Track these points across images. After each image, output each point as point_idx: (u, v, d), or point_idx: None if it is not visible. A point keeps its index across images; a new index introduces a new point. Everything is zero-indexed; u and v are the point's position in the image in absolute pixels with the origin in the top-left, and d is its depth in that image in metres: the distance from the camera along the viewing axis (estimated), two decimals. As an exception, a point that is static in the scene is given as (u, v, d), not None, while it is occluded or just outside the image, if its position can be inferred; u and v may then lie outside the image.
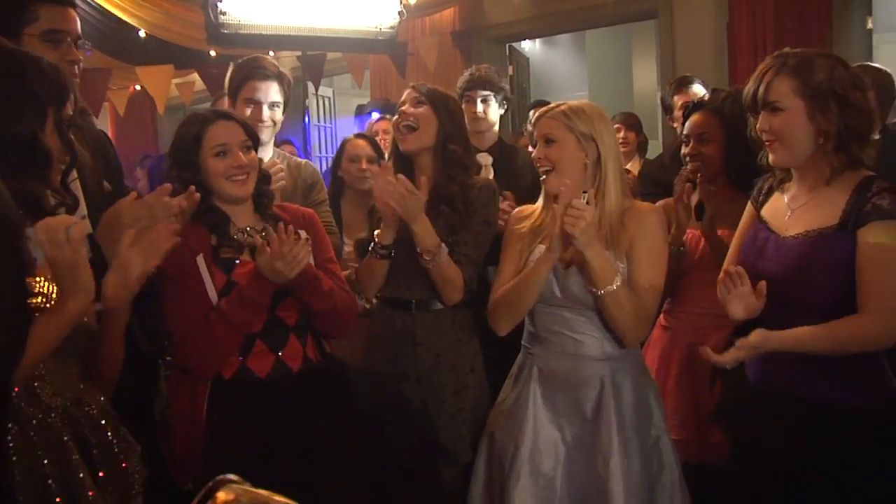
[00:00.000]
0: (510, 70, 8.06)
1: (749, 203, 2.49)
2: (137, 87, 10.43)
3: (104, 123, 11.37)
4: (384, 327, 2.95)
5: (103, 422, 1.98)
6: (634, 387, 2.57)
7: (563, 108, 2.56)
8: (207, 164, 2.45)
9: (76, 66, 2.37)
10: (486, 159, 3.77)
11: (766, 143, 2.28)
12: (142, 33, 7.85)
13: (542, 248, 2.51)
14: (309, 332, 2.57)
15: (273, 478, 2.25)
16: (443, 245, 2.74)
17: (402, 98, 2.94)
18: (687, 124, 3.13)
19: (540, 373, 2.61)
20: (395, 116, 2.95)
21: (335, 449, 2.36)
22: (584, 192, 2.37)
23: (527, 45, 9.79)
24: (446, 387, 2.88)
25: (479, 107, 3.76)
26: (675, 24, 6.56)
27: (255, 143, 2.56)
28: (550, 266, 2.46)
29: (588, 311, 2.52)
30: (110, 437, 1.98)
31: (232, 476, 1.12)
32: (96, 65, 8.19)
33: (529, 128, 3.95)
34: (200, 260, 2.41)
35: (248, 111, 3.12)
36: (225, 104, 4.65)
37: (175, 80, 9.65)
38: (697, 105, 3.17)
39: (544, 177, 2.57)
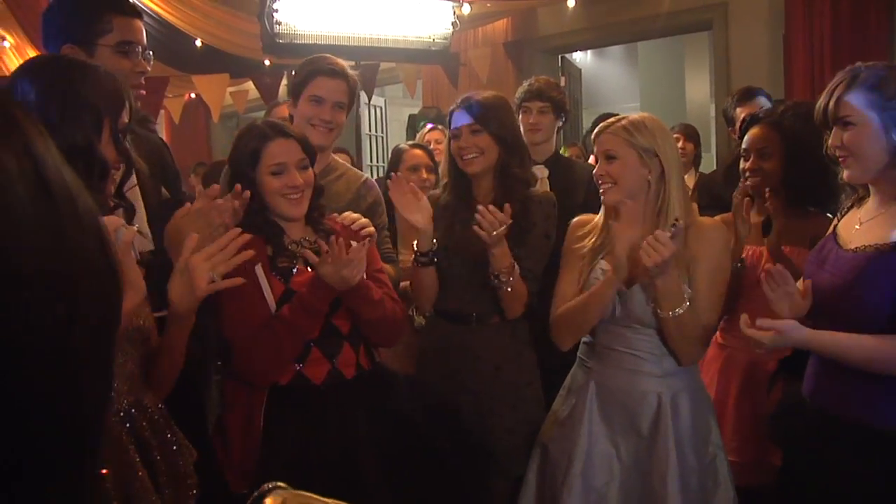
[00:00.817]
0: (562, 81, 8.03)
1: (836, 217, 2.44)
2: (192, 96, 10.60)
3: (160, 130, 11.56)
4: (440, 341, 2.95)
5: (163, 425, 2.00)
6: (692, 404, 2.55)
7: (623, 122, 2.53)
8: (264, 181, 2.47)
9: (142, 77, 2.41)
10: (542, 172, 3.75)
11: (840, 159, 2.24)
12: (198, 42, 7.96)
13: (604, 264, 2.50)
14: (361, 341, 2.58)
15: (326, 483, 2.31)
16: (515, 265, 2.74)
17: (456, 123, 2.91)
18: (746, 138, 3.08)
19: (597, 387, 2.59)
20: (452, 139, 2.94)
21: (385, 457, 2.40)
22: (674, 224, 2.36)
23: (578, 57, 9.77)
24: (504, 400, 2.88)
25: (536, 118, 3.75)
26: (730, 36, 6.49)
27: (313, 158, 2.56)
28: (615, 289, 2.45)
29: (648, 330, 2.51)
30: (170, 440, 2.00)
31: (280, 483, 1.14)
32: (154, 73, 8.30)
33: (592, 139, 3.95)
34: (259, 269, 2.43)
35: (312, 109, 2.95)
36: (278, 114, 4.72)
37: (230, 89, 9.78)
38: (755, 118, 3.11)
39: (603, 189, 2.56)
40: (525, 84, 3.85)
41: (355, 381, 2.52)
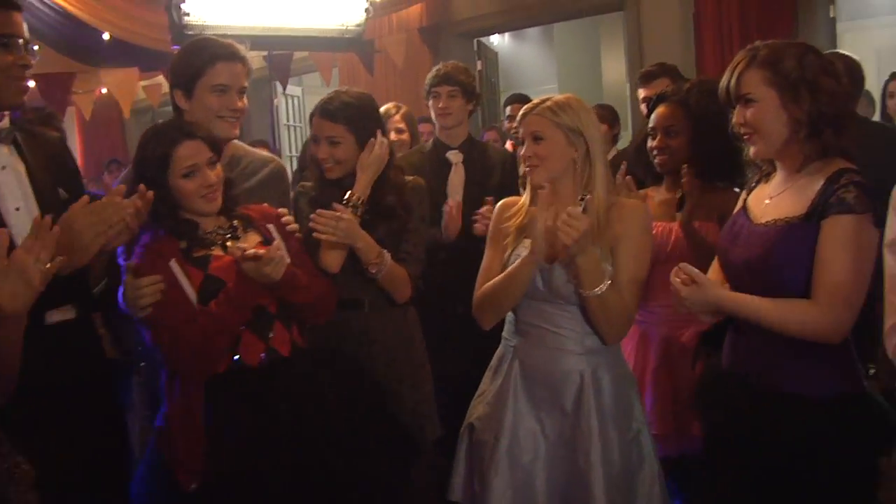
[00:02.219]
0: (479, 65, 8.05)
1: (744, 191, 2.49)
2: (104, 91, 10.32)
3: (71, 128, 11.26)
4: (336, 329, 2.92)
5: None
6: (614, 381, 2.56)
7: (548, 103, 2.52)
8: (177, 185, 2.43)
9: (26, 70, 2.31)
10: (456, 157, 3.77)
11: (744, 136, 2.28)
12: (105, 36, 7.75)
13: (527, 243, 2.49)
14: (293, 319, 2.58)
15: (278, 466, 2.28)
16: (384, 252, 2.80)
17: (314, 131, 2.92)
18: (653, 117, 3.12)
19: (521, 365, 2.60)
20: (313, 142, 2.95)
21: (334, 432, 2.43)
22: (581, 200, 2.37)
23: (496, 40, 9.79)
24: (403, 383, 2.95)
25: (445, 102, 3.75)
26: (642, 16, 6.58)
27: (219, 153, 2.53)
28: (534, 268, 2.45)
29: (570, 307, 2.51)
30: None
31: None
32: (60, 68, 8.09)
33: (507, 123, 3.96)
34: (174, 264, 2.40)
35: (219, 100, 2.69)
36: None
37: (143, 83, 9.56)
38: (662, 97, 3.15)
39: (530, 170, 2.55)
40: (434, 69, 3.85)
41: (293, 358, 2.52)
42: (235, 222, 2.56)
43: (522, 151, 2.57)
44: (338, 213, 2.68)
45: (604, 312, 2.44)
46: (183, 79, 2.70)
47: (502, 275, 2.52)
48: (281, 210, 2.70)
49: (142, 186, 2.33)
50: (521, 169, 2.63)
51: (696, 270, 2.24)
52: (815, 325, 2.12)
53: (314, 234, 2.67)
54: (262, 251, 2.35)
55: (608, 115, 5.51)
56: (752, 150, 2.30)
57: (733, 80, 2.24)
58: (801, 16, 5.85)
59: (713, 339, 2.49)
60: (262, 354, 2.48)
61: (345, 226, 2.68)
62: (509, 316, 2.67)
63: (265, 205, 2.71)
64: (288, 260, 2.42)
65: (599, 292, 2.39)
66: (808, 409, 2.17)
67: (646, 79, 4.26)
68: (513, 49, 11.19)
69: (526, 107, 2.59)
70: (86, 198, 2.18)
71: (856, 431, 2.15)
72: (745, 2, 5.78)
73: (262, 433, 2.37)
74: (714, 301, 2.24)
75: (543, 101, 2.54)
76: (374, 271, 2.78)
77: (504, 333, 2.71)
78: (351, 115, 2.86)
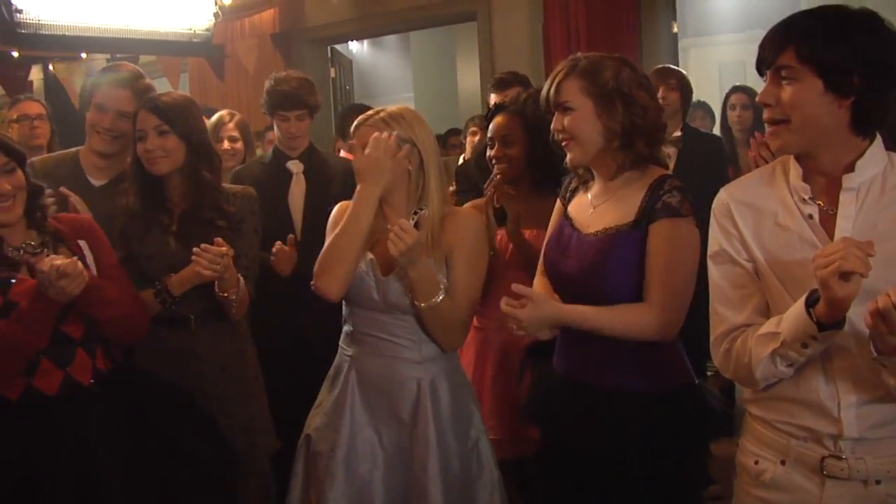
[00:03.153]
0: (332, 72, 7.99)
1: (558, 200, 2.55)
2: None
3: None
4: (158, 344, 2.82)
5: None
6: (452, 390, 2.57)
7: (382, 115, 2.51)
8: None
9: None
10: (296, 167, 3.71)
11: (562, 143, 2.36)
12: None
13: (370, 255, 2.49)
14: (97, 343, 2.47)
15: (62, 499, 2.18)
16: (240, 277, 2.76)
17: (142, 124, 2.81)
18: (491, 127, 3.17)
19: (358, 374, 2.57)
20: (137, 141, 2.82)
21: (130, 465, 2.33)
22: (415, 213, 2.39)
23: (354, 47, 9.75)
24: (233, 399, 2.87)
25: (295, 126, 3.69)
26: (493, 26, 6.67)
27: (20, 160, 2.40)
28: (362, 209, 2.42)
29: (406, 316, 2.50)
30: None
31: None
32: None
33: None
34: None
35: (96, 117, 3.07)
36: (21, 111, 4.39)
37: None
38: (500, 107, 3.20)
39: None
40: (273, 83, 3.72)
41: (94, 386, 2.42)
42: (46, 238, 2.43)
43: (355, 163, 2.54)
44: (217, 250, 2.61)
45: (440, 322, 2.45)
46: (87, 97, 3.14)
47: (336, 230, 2.46)
48: (87, 217, 2.65)
49: None
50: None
51: (529, 289, 2.27)
52: (651, 326, 2.21)
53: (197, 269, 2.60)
54: (58, 262, 2.21)
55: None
56: (568, 157, 2.37)
57: (553, 89, 2.33)
58: (645, 31, 6.04)
59: (539, 350, 2.54)
60: (60, 383, 2.37)
61: (225, 262, 2.62)
62: (346, 326, 2.64)
63: (82, 214, 2.60)
64: (85, 277, 2.27)
65: (434, 303, 2.40)
66: (642, 404, 2.26)
67: (499, 86, 4.29)
68: (370, 56, 11.19)
69: (360, 118, 2.57)
70: None
71: (683, 420, 2.26)
72: (591, 15, 5.91)
73: (47, 466, 2.25)
74: (552, 316, 2.27)
75: (377, 112, 2.54)
76: (233, 297, 2.72)
77: (341, 343, 2.68)
78: (174, 111, 2.79)
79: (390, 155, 2.40)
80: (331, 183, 3.59)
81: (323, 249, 2.49)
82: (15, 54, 7.54)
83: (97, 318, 2.41)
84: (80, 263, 2.26)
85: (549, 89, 2.35)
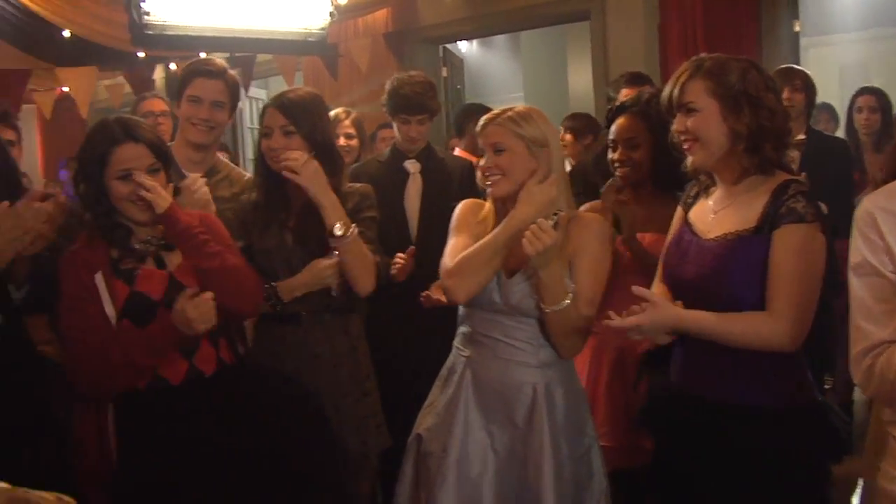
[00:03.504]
0: (444, 72, 8.00)
1: (679, 206, 2.49)
2: (65, 89, 10.15)
3: (31, 127, 11.07)
4: (274, 343, 2.87)
5: None
6: (567, 396, 2.54)
7: (510, 114, 2.49)
8: (111, 186, 2.38)
9: None
10: (414, 166, 3.72)
11: (685, 146, 2.30)
12: (66, 33, 7.61)
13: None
14: (221, 335, 2.51)
15: (188, 489, 2.22)
16: (352, 225, 2.74)
17: (268, 121, 2.84)
18: (612, 128, 3.09)
19: (473, 376, 2.56)
20: (262, 137, 2.88)
21: (247, 458, 2.35)
22: (554, 214, 2.34)
23: (463, 47, 9.75)
24: (346, 397, 2.87)
25: (416, 132, 3.70)
26: (608, 26, 6.55)
27: (167, 163, 2.49)
28: (514, 232, 2.38)
29: (526, 319, 2.48)
30: None
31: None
32: (15, 65, 7.94)
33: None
34: (99, 278, 2.33)
35: (191, 109, 3.14)
36: (145, 108, 4.55)
37: (105, 82, 9.40)
38: (621, 108, 3.11)
39: (489, 183, 2.51)
40: (394, 85, 3.72)
41: (216, 377, 2.46)
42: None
43: (482, 162, 2.53)
44: (295, 154, 2.66)
45: (563, 327, 2.42)
46: (175, 91, 3.24)
47: (483, 240, 2.45)
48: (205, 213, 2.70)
49: (58, 194, 2.28)
50: (479, 179, 2.59)
51: (649, 292, 2.23)
52: (773, 335, 2.14)
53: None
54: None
55: (580, 126, 5.40)
56: (690, 160, 2.31)
57: (677, 89, 2.27)
58: (766, 30, 5.84)
59: (655, 358, 2.49)
60: (185, 372, 2.42)
61: (312, 168, 2.64)
62: (463, 327, 2.63)
63: (206, 212, 2.68)
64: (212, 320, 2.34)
65: (560, 308, 2.36)
66: (761, 420, 2.18)
67: (633, 81, 4.23)
68: (479, 56, 11.17)
69: (487, 117, 2.55)
70: (5, 203, 2.12)
71: (807, 441, 2.17)
72: (710, 14, 5.77)
73: (174, 455, 2.30)
74: (672, 320, 2.22)
75: (504, 112, 2.51)
76: (339, 234, 2.68)
77: (456, 343, 2.67)
78: (302, 110, 2.81)
79: (551, 195, 2.37)
80: (448, 183, 3.58)
81: (465, 253, 2.46)
82: (141, 55, 7.81)
83: (201, 265, 2.43)
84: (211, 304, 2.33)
85: (672, 89, 2.29)
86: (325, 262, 2.76)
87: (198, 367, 2.43)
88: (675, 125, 2.30)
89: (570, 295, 2.38)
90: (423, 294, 3.32)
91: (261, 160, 2.89)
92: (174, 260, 2.46)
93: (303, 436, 2.51)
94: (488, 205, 2.60)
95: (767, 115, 2.21)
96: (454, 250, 2.53)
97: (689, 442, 2.29)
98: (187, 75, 3.18)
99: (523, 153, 2.46)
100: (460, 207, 2.66)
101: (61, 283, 2.35)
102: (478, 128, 2.56)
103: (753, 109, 2.20)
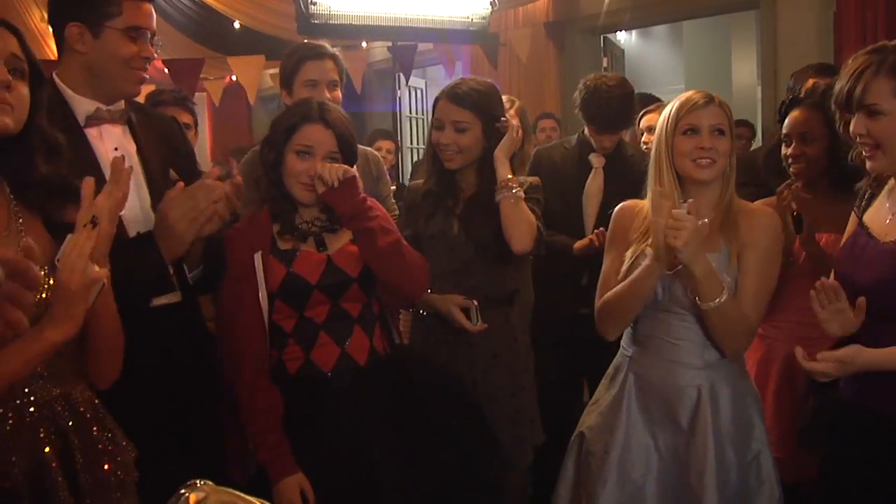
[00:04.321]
0: (604, 62, 7.89)
1: (853, 212, 2.33)
2: (233, 78, 10.56)
3: (201, 113, 11.55)
4: (431, 332, 2.88)
5: (90, 421, 1.86)
6: (734, 397, 2.44)
7: (718, 98, 2.42)
8: (287, 159, 2.41)
9: (148, 63, 2.33)
10: (598, 161, 3.70)
11: (863, 149, 2.11)
12: (236, 24, 7.92)
13: (648, 249, 2.34)
14: (377, 322, 2.51)
15: (334, 477, 2.25)
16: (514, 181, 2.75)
17: (438, 116, 2.85)
18: (786, 122, 2.94)
19: (636, 377, 2.51)
20: (434, 129, 2.87)
21: (399, 450, 2.35)
22: (684, 202, 2.23)
23: (622, 37, 9.59)
24: (502, 388, 2.85)
25: (609, 142, 3.69)
26: (778, 15, 6.28)
27: (349, 158, 2.47)
28: (657, 277, 2.32)
29: (690, 316, 2.40)
30: (98, 438, 1.86)
31: (206, 481, 1.12)
32: (190, 54, 8.30)
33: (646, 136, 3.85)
34: (258, 258, 2.38)
35: (310, 93, 3.07)
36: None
37: (271, 71, 9.72)
38: (796, 100, 2.96)
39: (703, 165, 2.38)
40: (592, 96, 3.63)
41: (369, 367, 2.44)
42: (335, 216, 2.47)
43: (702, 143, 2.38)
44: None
45: (722, 325, 2.32)
46: (284, 81, 3.18)
47: (624, 283, 2.39)
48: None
49: (235, 176, 2.29)
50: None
51: (836, 353, 2.08)
52: None
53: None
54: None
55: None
56: (869, 165, 2.12)
57: (860, 87, 2.05)
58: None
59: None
60: (336, 360, 2.41)
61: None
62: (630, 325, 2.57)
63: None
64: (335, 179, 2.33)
65: (716, 304, 2.26)
66: None
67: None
68: (639, 47, 10.95)
69: (685, 101, 2.42)
70: (181, 184, 2.17)
71: None
72: (892, 3, 5.43)
73: (323, 443, 2.32)
74: (863, 366, 2.08)
75: (712, 98, 2.41)
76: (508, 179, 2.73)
77: (622, 342, 2.62)
78: (479, 102, 2.80)
79: (683, 238, 2.17)
80: (631, 185, 3.53)
81: (610, 296, 2.43)
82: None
83: (377, 242, 2.40)
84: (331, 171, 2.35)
85: (853, 84, 2.07)
86: (460, 299, 2.79)
87: (351, 355, 2.42)
88: (854, 127, 2.09)
89: (727, 290, 2.27)
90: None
91: (431, 148, 2.90)
92: (335, 244, 2.46)
93: (455, 428, 2.49)
94: (645, 201, 2.50)
95: None
96: (605, 278, 2.50)
97: (859, 456, 2.16)
98: (297, 62, 3.14)
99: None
100: (613, 217, 2.59)
101: (227, 262, 2.41)
102: (689, 107, 2.41)
103: None
